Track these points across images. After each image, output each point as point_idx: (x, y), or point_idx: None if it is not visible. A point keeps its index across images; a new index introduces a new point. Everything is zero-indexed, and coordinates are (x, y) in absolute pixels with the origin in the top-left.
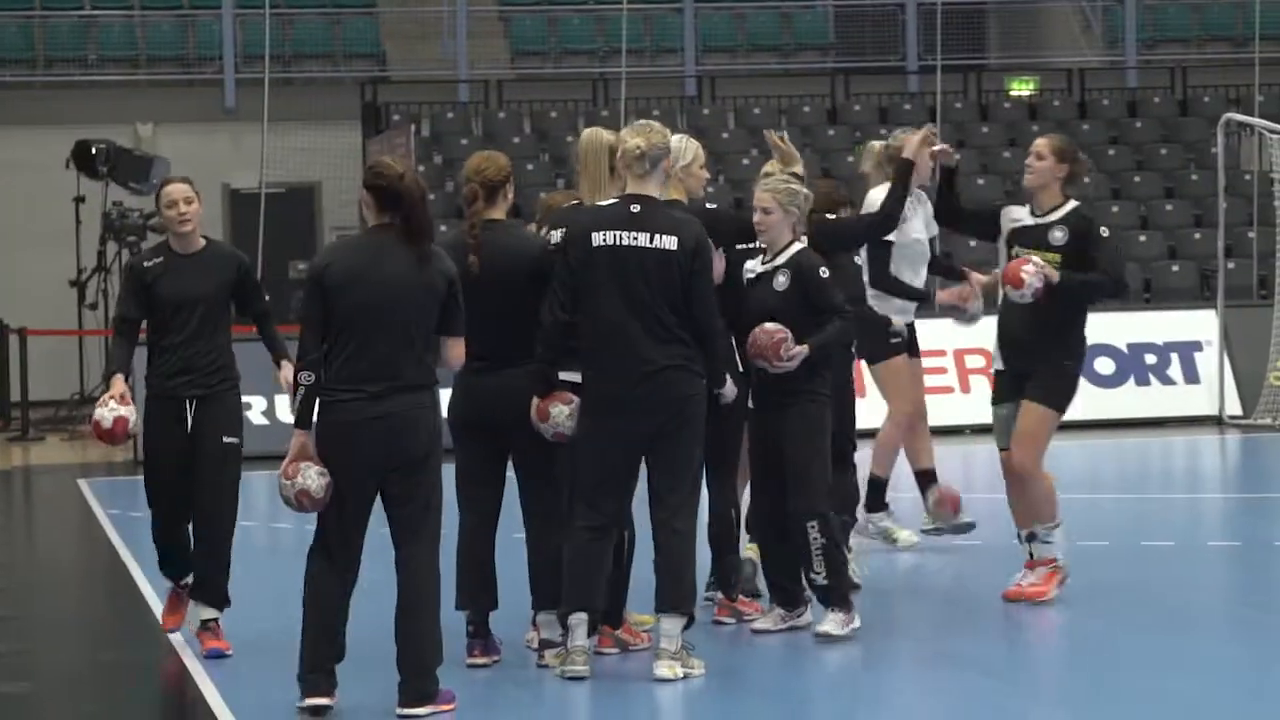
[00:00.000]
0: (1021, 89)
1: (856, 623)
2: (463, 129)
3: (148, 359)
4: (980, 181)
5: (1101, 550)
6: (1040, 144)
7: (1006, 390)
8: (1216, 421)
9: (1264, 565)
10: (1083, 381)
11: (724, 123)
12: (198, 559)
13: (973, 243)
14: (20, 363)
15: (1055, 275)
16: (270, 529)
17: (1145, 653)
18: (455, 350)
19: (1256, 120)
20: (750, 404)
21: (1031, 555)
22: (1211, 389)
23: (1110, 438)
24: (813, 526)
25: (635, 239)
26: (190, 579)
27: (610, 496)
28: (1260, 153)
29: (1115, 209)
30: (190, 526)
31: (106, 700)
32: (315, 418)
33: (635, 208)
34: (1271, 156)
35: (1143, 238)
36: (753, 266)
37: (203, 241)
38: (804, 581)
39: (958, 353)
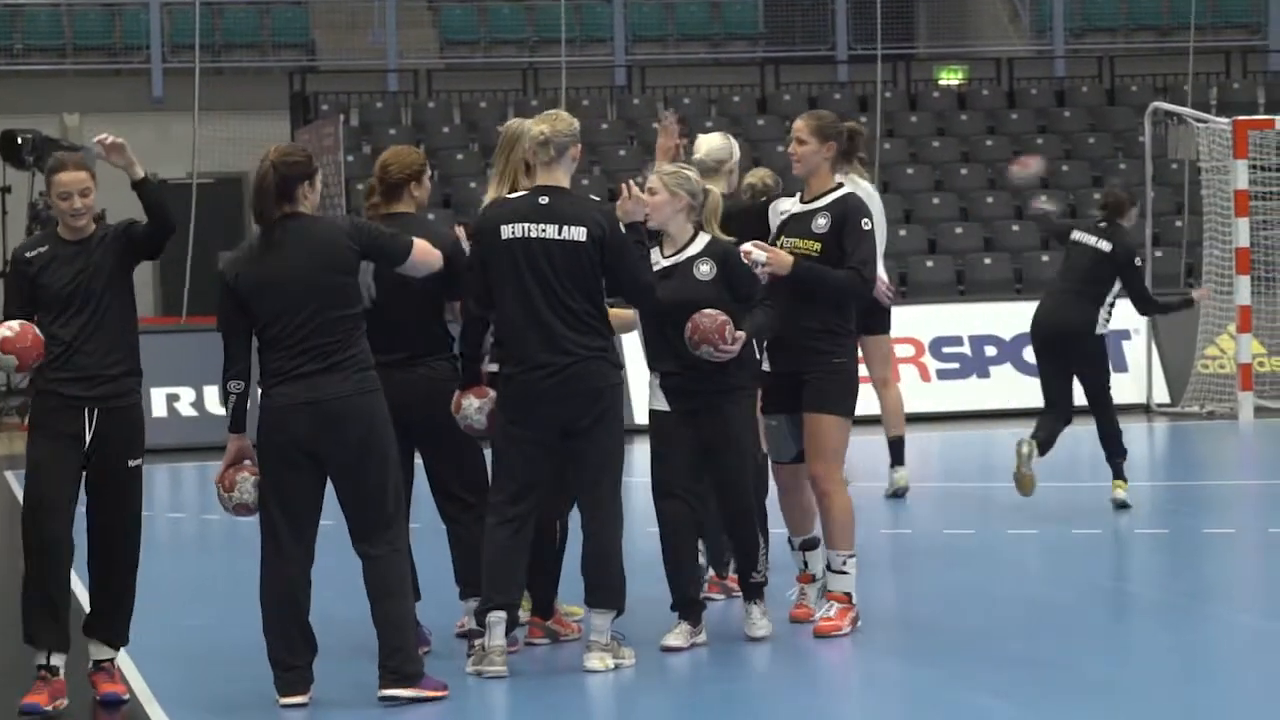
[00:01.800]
0: (950, 78)
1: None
2: (392, 119)
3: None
4: (909, 171)
5: (1031, 538)
6: (798, 126)
7: (776, 398)
8: (1145, 410)
9: (1192, 553)
10: (1010, 369)
11: (654, 112)
12: (98, 590)
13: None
14: None
15: (785, 266)
16: (201, 520)
17: (1077, 640)
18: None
19: (1184, 109)
20: (665, 404)
21: (812, 578)
22: (1139, 377)
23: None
24: (755, 523)
25: (544, 230)
26: (59, 659)
27: (529, 490)
28: (1188, 142)
29: (1043, 197)
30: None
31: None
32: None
33: (544, 199)
34: (1199, 145)
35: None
36: (654, 260)
37: (93, 226)
38: (738, 580)
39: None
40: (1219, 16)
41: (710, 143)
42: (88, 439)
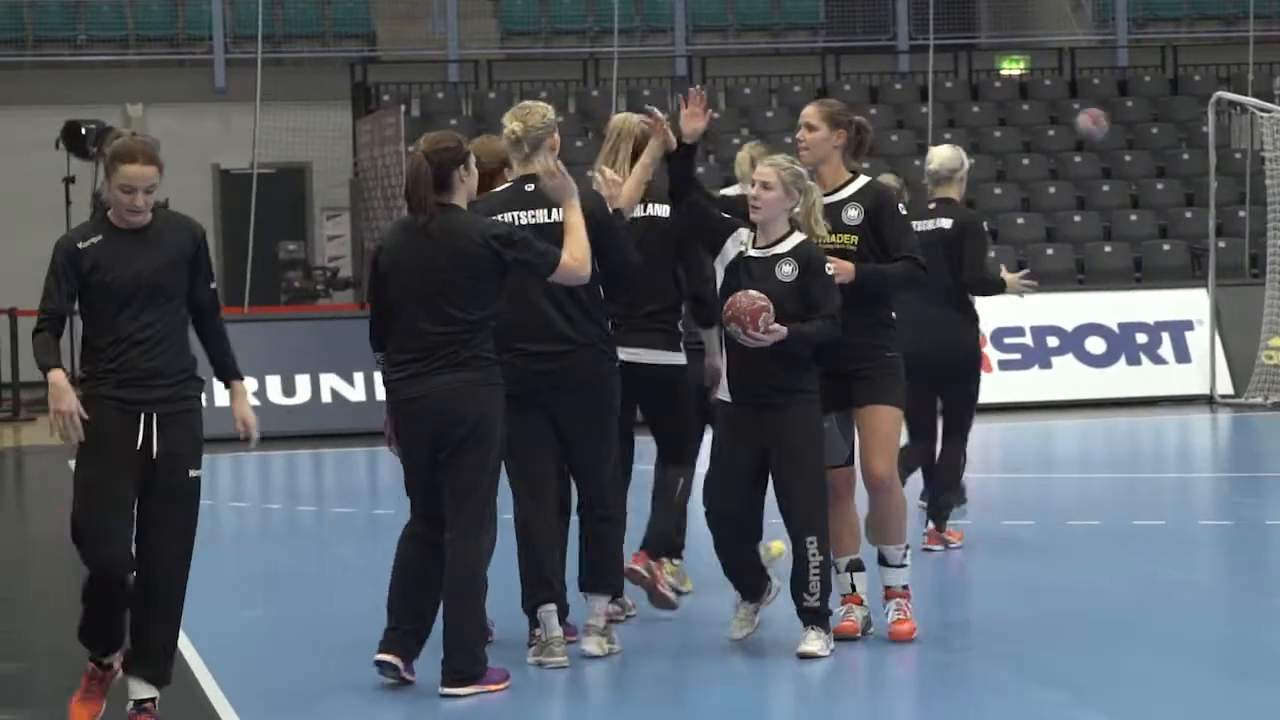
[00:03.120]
0: (1012, 68)
1: (833, 641)
2: (453, 109)
3: (82, 358)
4: (971, 161)
5: (1092, 530)
6: (808, 111)
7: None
8: (1208, 400)
9: (1257, 545)
10: (1072, 359)
11: (714, 103)
12: (142, 621)
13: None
14: (10, 343)
15: (849, 274)
16: (263, 510)
17: (1138, 634)
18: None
19: (1248, 99)
20: (727, 396)
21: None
22: (1203, 368)
23: (1101, 417)
24: (811, 543)
25: (534, 216)
26: (119, 657)
27: (545, 480)
28: (1251, 131)
29: (1106, 188)
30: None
31: None
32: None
33: (529, 186)
34: (1262, 135)
35: (1133, 217)
36: (737, 248)
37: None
38: (794, 601)
39: None
40: None
41: (942, 154)
42: (145, 448)
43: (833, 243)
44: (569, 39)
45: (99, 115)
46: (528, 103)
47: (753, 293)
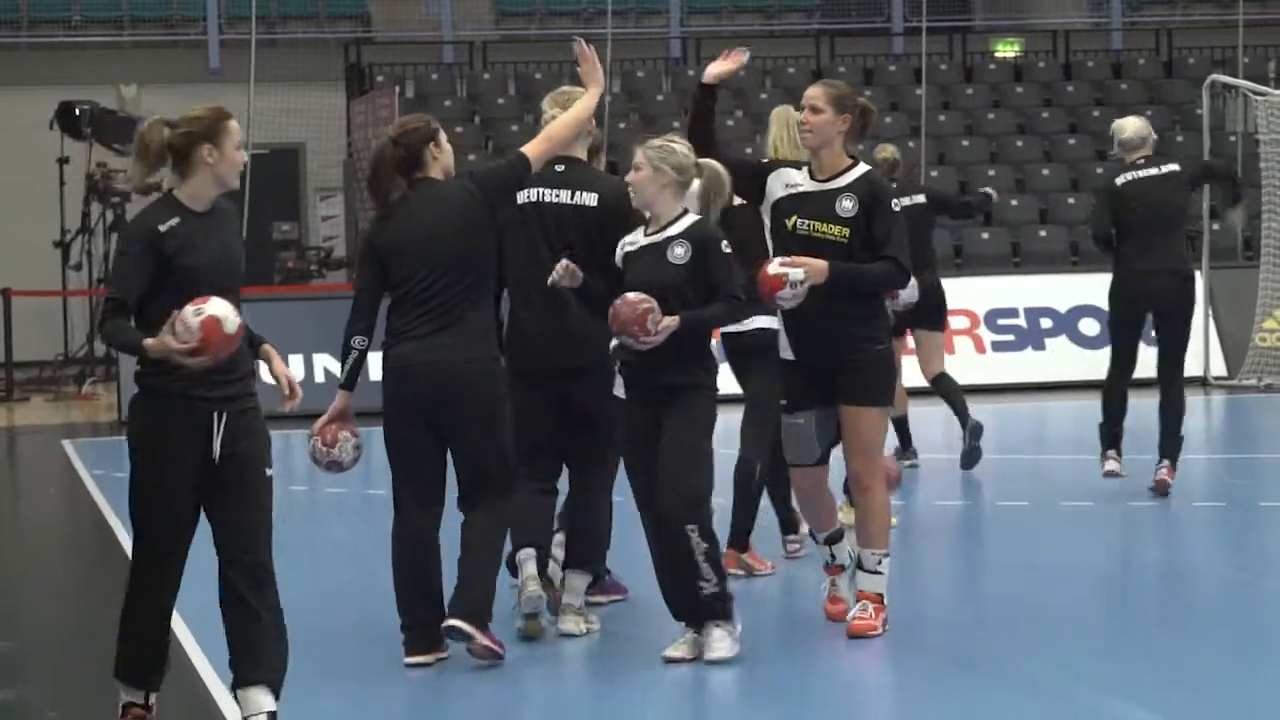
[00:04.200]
0: (1006, 50)
1: (740, 627)
2: (447, 90)
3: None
4: (965, 143)
5: (1085, 511)
6: (814, 93)
7: (803, 392)
8: (1201, 383)
9: (1248, 526)
10: (1065, 341)
11: None
12: (249, 627)
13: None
14: (4, 323)
15: (822, 274)
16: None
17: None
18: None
19: (1242, 82)
20: (621, 393)
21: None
22: (1196, 350)
23: (1095, 399)
24: (692, 531)
25: (558, 196)
26: (152, 696)
27: (544, 455)
28: (1245, 114)
29: (1100, 170)
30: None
31: (91, 659)
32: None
33: (560, 167)
34: (1257, 118)
35: None
36: (633, 239)
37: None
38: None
39: None
40: None
41: (1134, 124)
42: (216, 451)
43: (824, 233)
44: (563, 20)
45: (93, 96)
46: (566, 88)
47: (631, 297)
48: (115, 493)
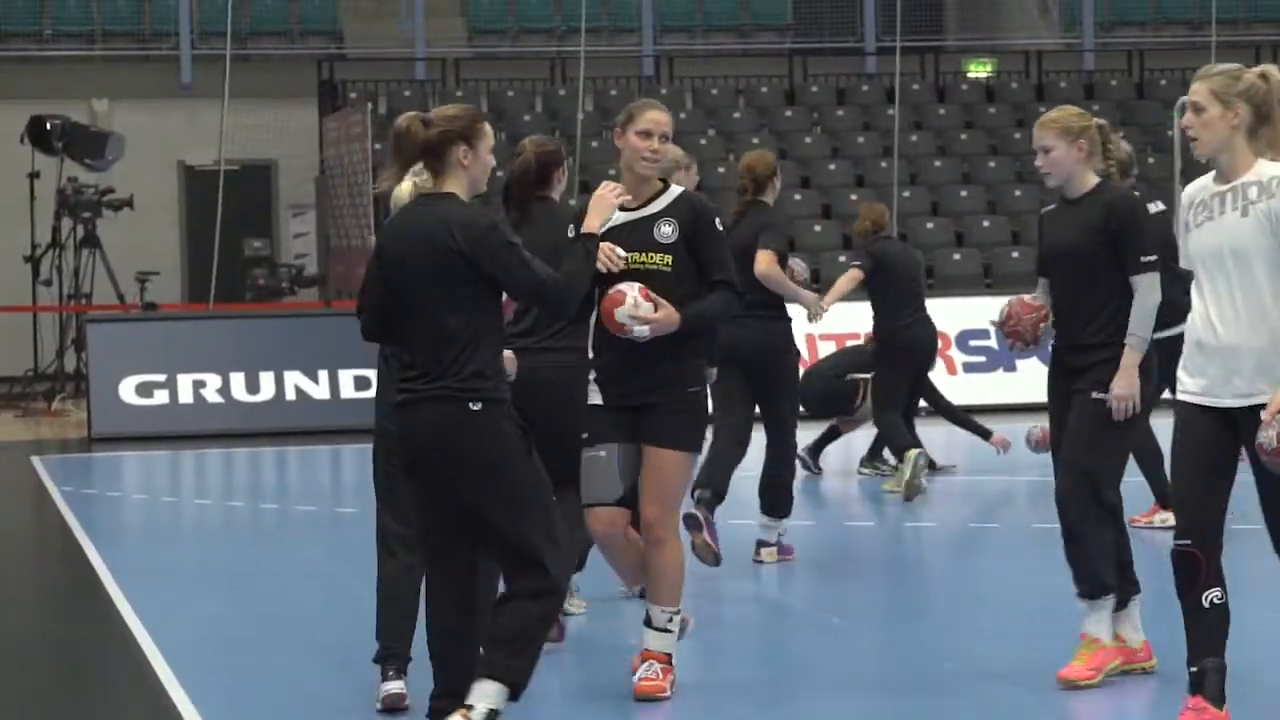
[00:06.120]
0: (979, 71)
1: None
2: (419, 107)
3: (478, 359)
4: (937, 164)
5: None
6: (661, 118)
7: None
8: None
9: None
10: (1037, 362)
11: (682, 103)
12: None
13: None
14: None
15: (673, 323)
16: (226, 508)
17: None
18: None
19: None
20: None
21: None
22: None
23: None
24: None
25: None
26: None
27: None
28: None
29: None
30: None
31: (59, 675)
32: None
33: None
34: None
35: None
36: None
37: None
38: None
39: None
40: (1249, 11)
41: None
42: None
43: (643, 263)
44: (536, 38)
45: (64, 110)
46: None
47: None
48: (84, 508)
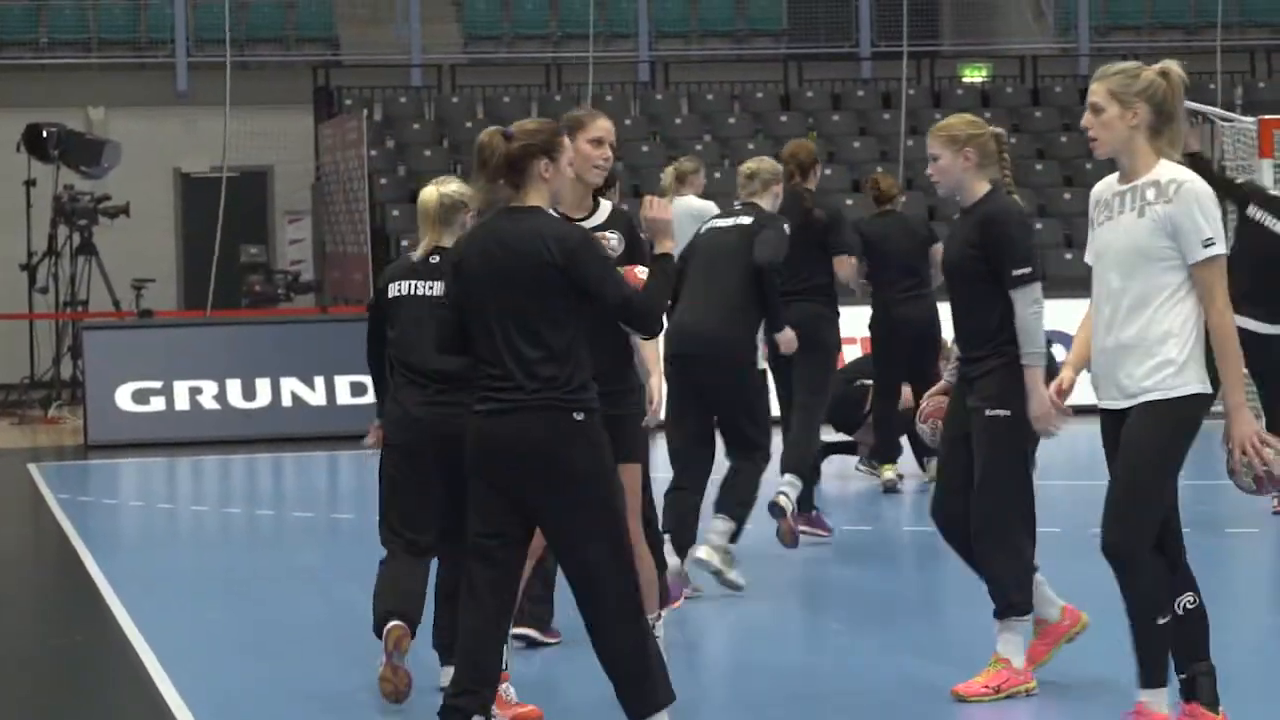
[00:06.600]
0: (974, 76)
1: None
2: (415, 113)
3: (574, 371)
4: (929, 171)
5: (1049, 536)
6: (610, 126)
7: None
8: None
9: (1215, 553)
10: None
11: (677, 108)
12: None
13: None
14: None
15: None
16: (223, 514)
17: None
18: None
19: (1209, 108)
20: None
21: None
22: None
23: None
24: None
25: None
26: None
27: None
28: (1213, 141)
29: (1068, 195)
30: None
31: (57, 682)
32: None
33: (737, 204)
34: (1224, 144)
35: None
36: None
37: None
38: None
39: None
40: (1245, 16)
41: None
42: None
43: None
44: (532, 44)
45: (60, 118)
46: (759, 157)
47: None
48: (81, 516)
